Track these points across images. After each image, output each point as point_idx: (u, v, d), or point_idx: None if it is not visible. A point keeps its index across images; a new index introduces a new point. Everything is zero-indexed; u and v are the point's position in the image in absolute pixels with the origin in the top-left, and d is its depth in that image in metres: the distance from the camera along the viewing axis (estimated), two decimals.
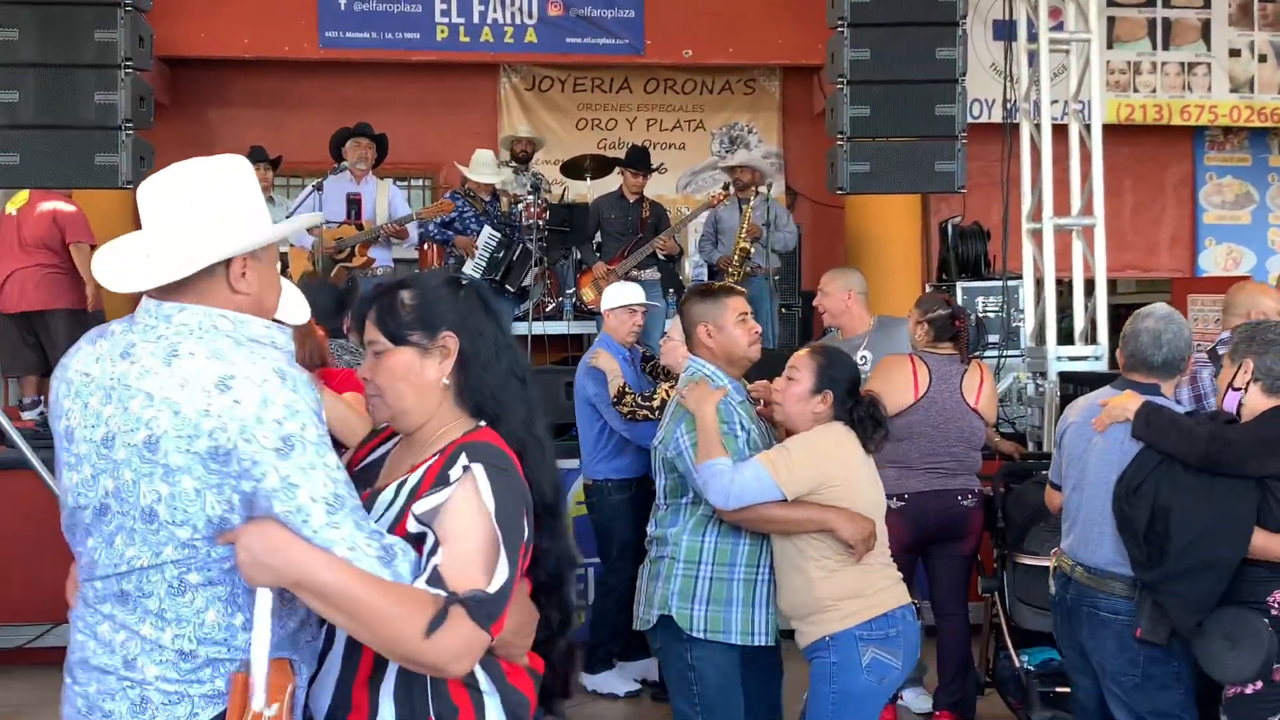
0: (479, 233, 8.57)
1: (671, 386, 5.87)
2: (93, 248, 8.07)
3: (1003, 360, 7.75)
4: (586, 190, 10.40)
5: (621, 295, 6.21)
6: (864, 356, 5.78)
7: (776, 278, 8.92)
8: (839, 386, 3.84)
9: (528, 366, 2.50)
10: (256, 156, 8.90)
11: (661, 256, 8.70)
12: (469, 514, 2.17)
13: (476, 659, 2.16)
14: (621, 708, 6.17)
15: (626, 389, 5.84)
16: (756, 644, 3.82)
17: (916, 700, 5.90)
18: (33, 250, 8.02)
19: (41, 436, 6.84)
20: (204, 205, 2.22)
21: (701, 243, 9.22)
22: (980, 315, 8.14)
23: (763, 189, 8.83)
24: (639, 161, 8.84)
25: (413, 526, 2.20)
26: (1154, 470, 3.80)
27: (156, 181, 2.25)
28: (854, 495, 3.73)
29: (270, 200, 9.01)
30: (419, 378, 2.34)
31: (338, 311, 4.83)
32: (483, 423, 2.37)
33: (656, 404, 5.70)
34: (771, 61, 11.70)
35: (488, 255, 8.58)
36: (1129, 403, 3.92)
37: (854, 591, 3.70)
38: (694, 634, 3.78)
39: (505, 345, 2.43)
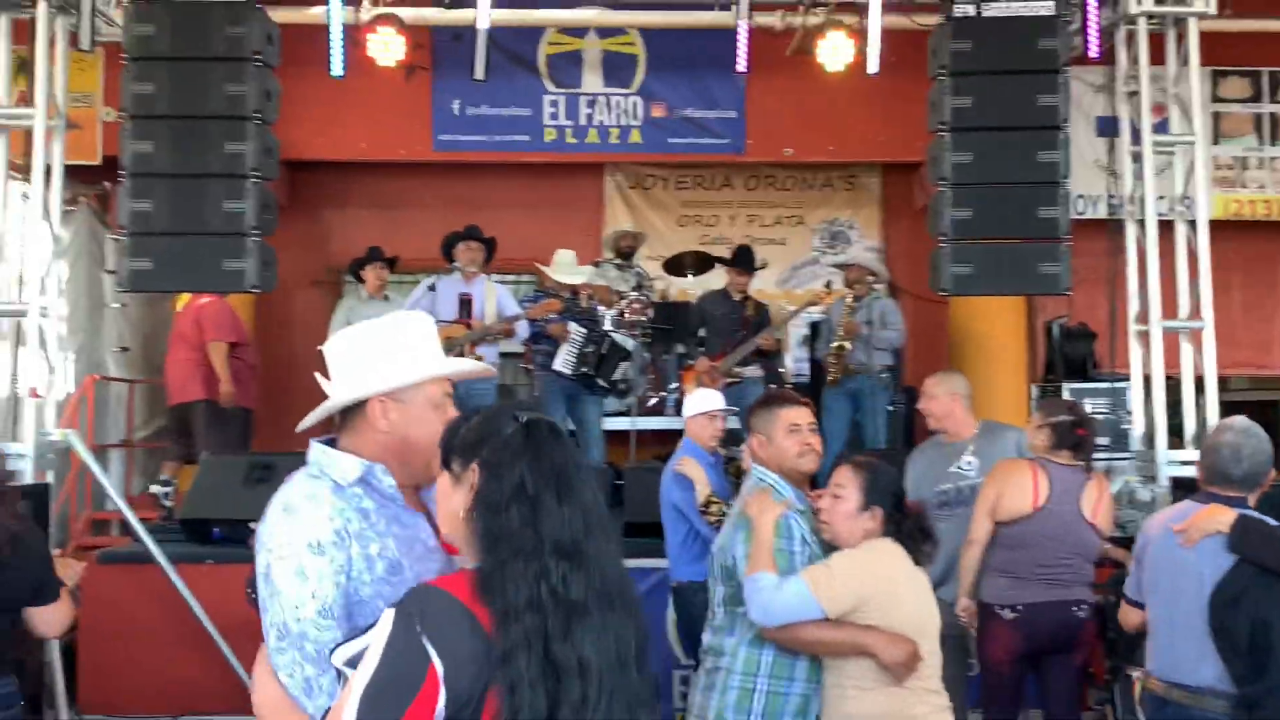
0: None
1: None
2: (232, 345, 8.56)
3: (1112, 463, 7.65)
4: (689, 286, 10.57)
5: (702, 402, 6.32)
6: (970, 462, 5.77)
7: (883, 375, 8.92)
8: (886, 501, 3.74)
9: (565, 526, 2.08)
10: (373, 256, 9.23)
11: (762, 353, 8.78)
12: (366, 661, 2.04)
13: None
14: None
15: (713, 497, 5.94)
16: None
17: None
18: (181, 344, 8.86)
19: (166, 529, 7.12)
20: (352, 356, 2.54)
21: (818, 342, 9.30)
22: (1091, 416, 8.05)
23: (878, 287, 8.91)
24: (744, 261, 8.98)
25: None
26: (1252, 583, 3.76)
27: (337, 337, 2.62)
28: (897, 613, 3.63)
29: (385, 299, 9.31)
30: (449, 504, 2.24)
31: None
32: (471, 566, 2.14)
33: None
34: (872, 159, 11.82)
35: (576, 350, 8.74)
36: (1220, 515, 3.88)
37: (886, 713, 3.59)
38: None
39: (525, 494, 2.08)
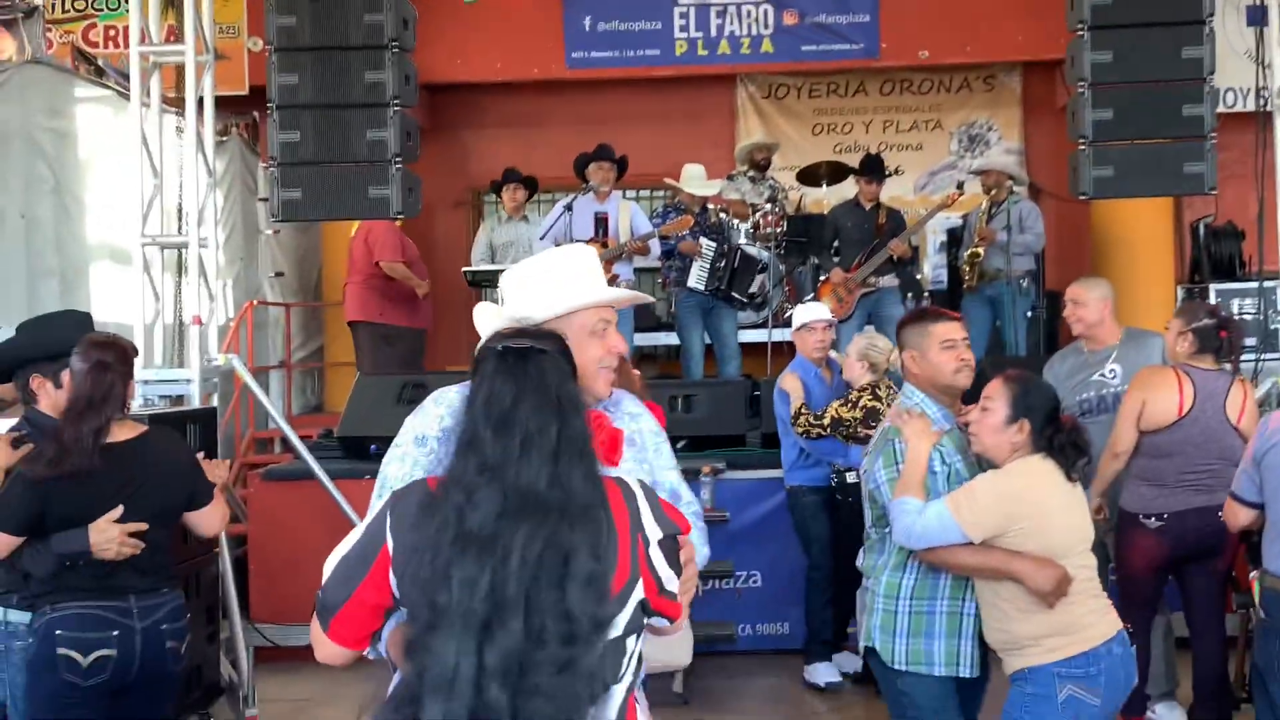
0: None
1: (845, 403, 6.08)
2: (407, 264, 9.35)
3: (1260, 364, 7.47)
4: (823, 196, 10.52)
5: (801, 315, 6.76)
6: (1113, 370, 5.71)
7: (1023, 281, 8.79)
8: (1036, 415, 3.69)
9: (491, 450, 2.20)
10: (510, 177, 9.41)
11: (896, 261, 8.73)
12: (350, 536, 2.36)
13: (324, 653, 2.35)
14: (827, 697, 6.56)
15: (802, 409, 6.37)
16: (961, 675, 3.77)
17: (1170, 715, 5.82)
18: (352, 269, 9.60)
19: (325, 446, 7.49)
20: (519, 286, 2.85)
21: (943, 248, 9.20)
22: (1237, 316, 7.86)
23: (1018, 190, 8.77)
24: (873, 169, 8.90)
25: None
26: None
27: (510, 271, 2.96)
28: (1047, 535, 3.63)
29: (525, 219, 9.50)
30: None
31: None
32: None
33: (826, 421, 6.20)
34: (1011, 58, 11.54)
35: (708, 265, 8.82)
36: None
37: (1053, 629, 3.61)
38: (896, 667, 3.79)
39: (470, 417, 2.25)
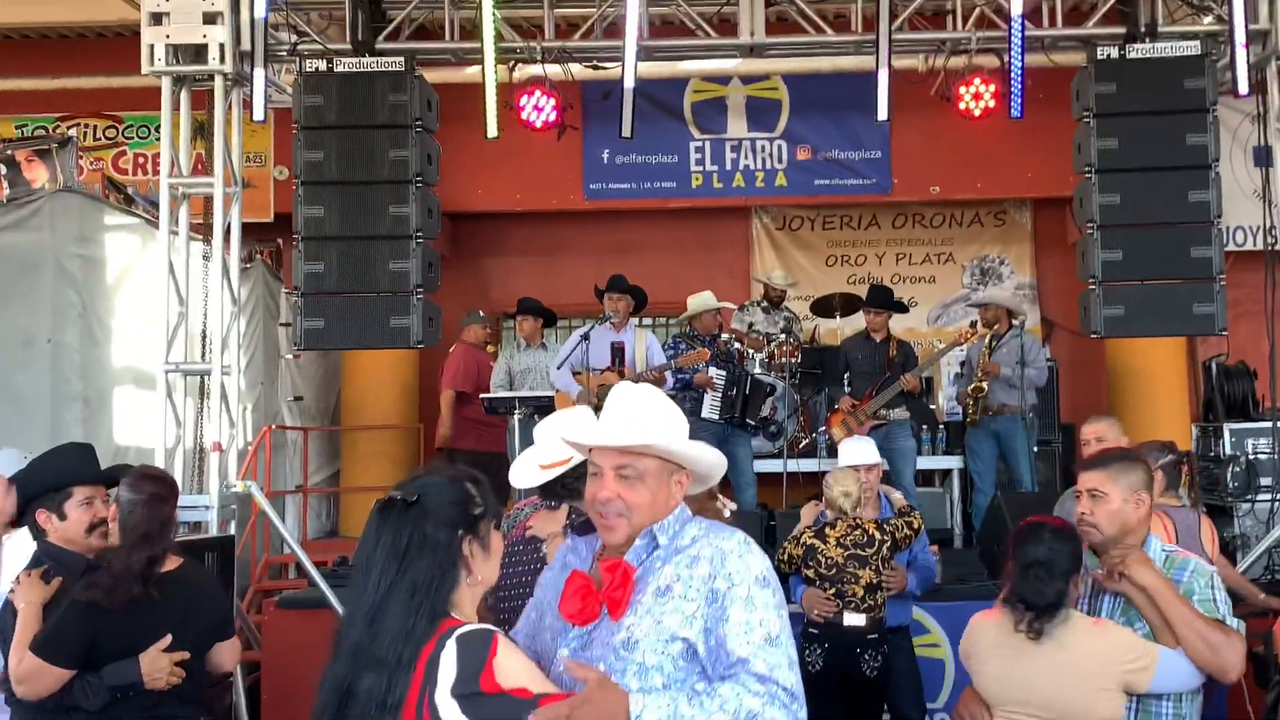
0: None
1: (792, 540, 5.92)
2: (458, 394, 9.83)
3: (1276, 504, 7.47)
4: (837, 327, 10.64)
5: (847, 456, 6.21)
6: None
7: (1028, 415, 8.85)
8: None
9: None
10: (524, 308, 9.56)
11: (906, 394, 8.79)
12: None
13: None
14: None
15: (787, 541, 6.02)
16: None
17: None
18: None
19: (340, 575, 7.48)
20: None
21: (959, 380, 9.26)
22: (1251, 457, 7.89)
23: (1015, 322, 8.86)
24: (879, 301, 9.01)
25: None
26: None
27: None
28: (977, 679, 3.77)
29: (543, 347, 9.62)
30: None
31: None
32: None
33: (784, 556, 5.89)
34: (1021, 195, 11.75)
35: (719, 395, 8.90)
36: None
37: None
38: None
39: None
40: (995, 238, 12.29)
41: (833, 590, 5.55)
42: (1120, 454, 3.80)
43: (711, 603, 2.54)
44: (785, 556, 5.79)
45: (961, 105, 8.03)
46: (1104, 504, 3.65)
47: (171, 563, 4.09)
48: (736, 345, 9.52)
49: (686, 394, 9.02)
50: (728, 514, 5.87)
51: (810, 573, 5.62)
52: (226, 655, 4.27)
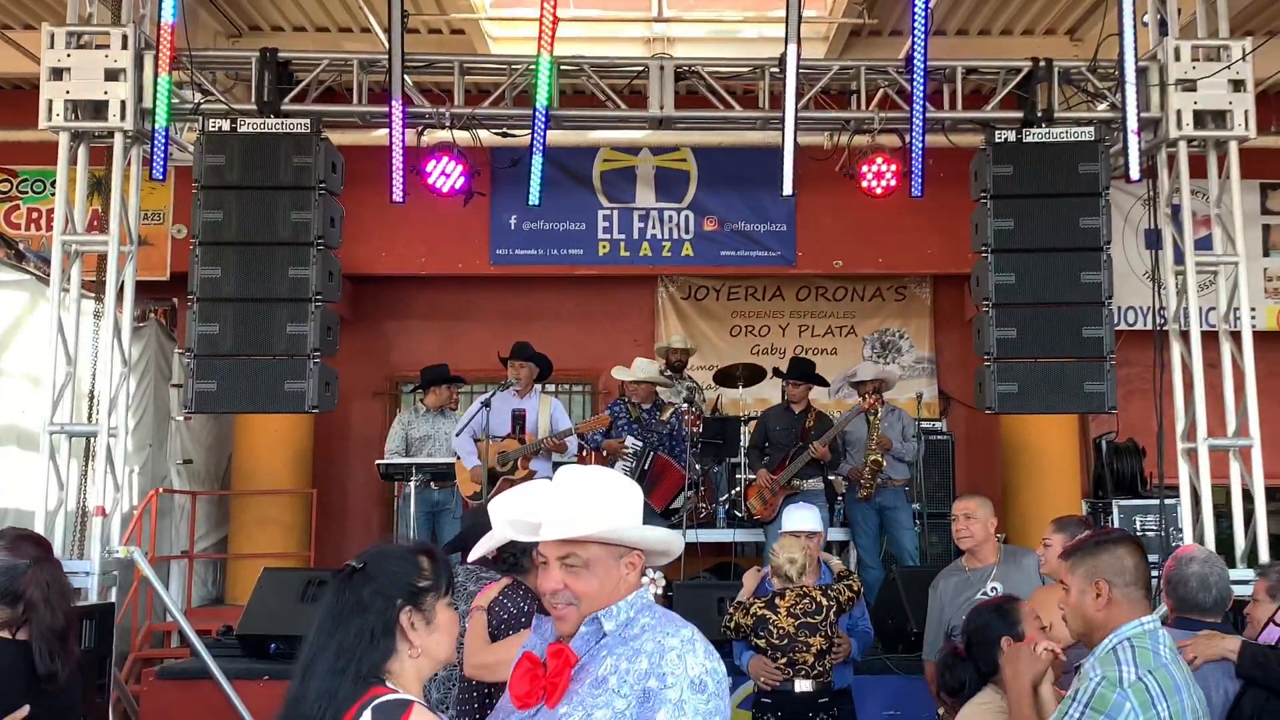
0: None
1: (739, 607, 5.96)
2: None
3: (1157, 582, 7.59)
4: (739, 397, 10.68)
5: (786, 521, 6.34)
6: (994, 588, 5.75)
7: (906, 489, 9.04)
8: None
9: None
10: (441, 377, 9.44)
11: (821, 464, 8.85)
12: None
13: None
14: None
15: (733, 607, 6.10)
16: None
17: None
18: None
19: (224, 645, 7.27)
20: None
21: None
22: (1139, 533, 8.03)
23: (888, 399, 9.07)
24: (799, 373, 9.10)
25: None
26: (1265, 707, 3.82)
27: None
28: None
29: (442, 413, 9.50)
30: None
31: None
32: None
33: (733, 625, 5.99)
34: (920, 271, 11.97)
35: (632, 463, 8.89)
36: (1225, 642, 3.96)
37: None
38: None
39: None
40: (896, 312, 12.49)
41: (784, 660, 5.67)
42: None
43: (643, 702, 2.45)
44: (733, 625, 5.89)
45: (864, 183, 8.17)
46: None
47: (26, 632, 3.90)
48: (673, 420, 9.39)
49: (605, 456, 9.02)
50: (655, 590, 5.91)
51: (761, 642, 5.73)
52: None
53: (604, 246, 11.82)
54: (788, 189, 7.66)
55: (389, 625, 2.50)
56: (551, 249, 11.77)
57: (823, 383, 9.41)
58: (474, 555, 3.08)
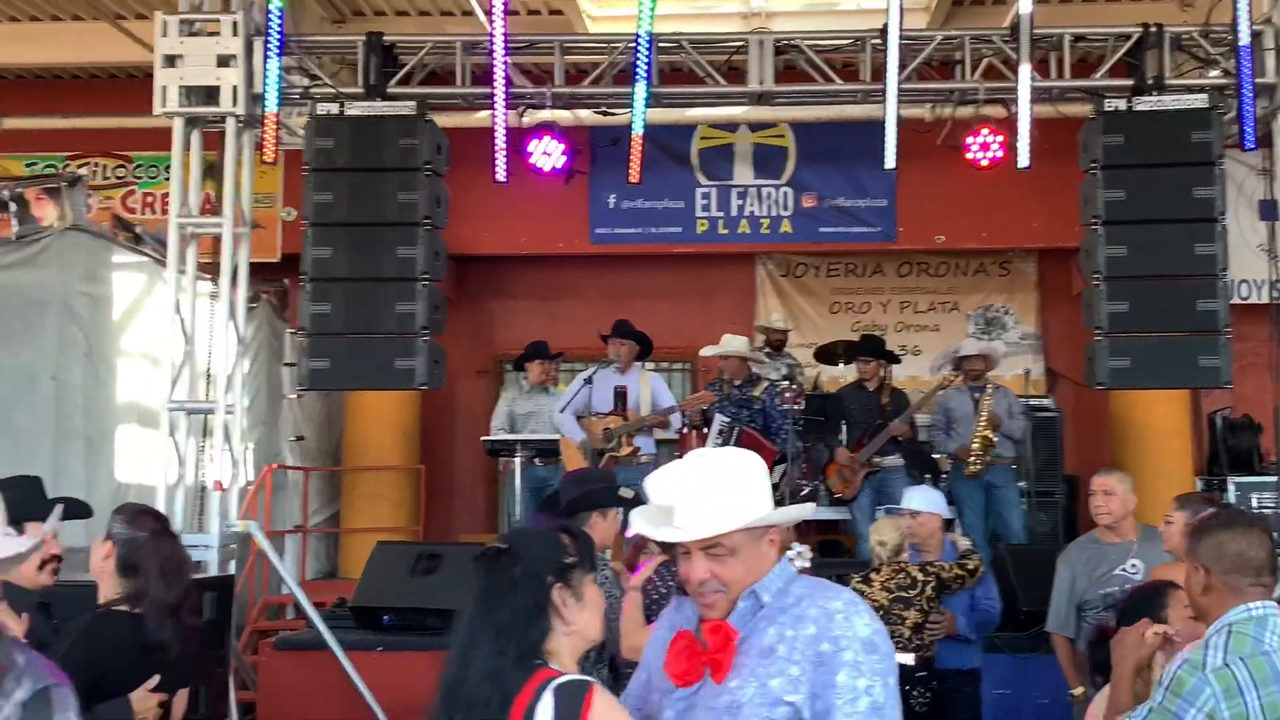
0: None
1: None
2: None
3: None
4: (840, 374, 10.63)
5: (907, 501, 6.37)
6: (1134, 565, 5.66)
7: (1013, 467, 8.92)
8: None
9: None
10: (537, 353, 9.54)
11: (900, 441, 8.80)
12: None
13: None
14: None
15: None
16: None
17: None
18: None
19: (338, 617, 7.44)
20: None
21: (933, 432, 9.25)
22: (1256, 510, 7.84)
23: (993, 376, 8.98)
24: (870, 349, 9.04)
25: None
26: None
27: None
28: None
29: (545, 390, 9.60)
30: None
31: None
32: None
33: None
34: (1026, 245, 11.78)
35: (719, 442, 8.89)
36: None
37: None
38: None
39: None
40: (1000, 287, 12.31)
41: None
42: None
43: (817, 666, 2.45)
44: None
45: (969, 155, 8.04)
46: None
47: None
48: (766, 397, 9.37)
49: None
50: (803, 564, 5.95)
51: None
52: (180, 703, 4.12)
53: (702, 224, 11.84)
54: (890, 162, 7.59)
55: (543, 604, 2.48)
56: (650, 227, 11.82)
57: (894, 359, 9.34)
58: (629, 532, 3.09)
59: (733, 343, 9.34)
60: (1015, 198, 10.86)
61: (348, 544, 11.20)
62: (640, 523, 2.63)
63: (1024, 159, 7.50)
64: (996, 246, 11.87)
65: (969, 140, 8.04)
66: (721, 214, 11.79)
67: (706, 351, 9.46)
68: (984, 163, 8.02)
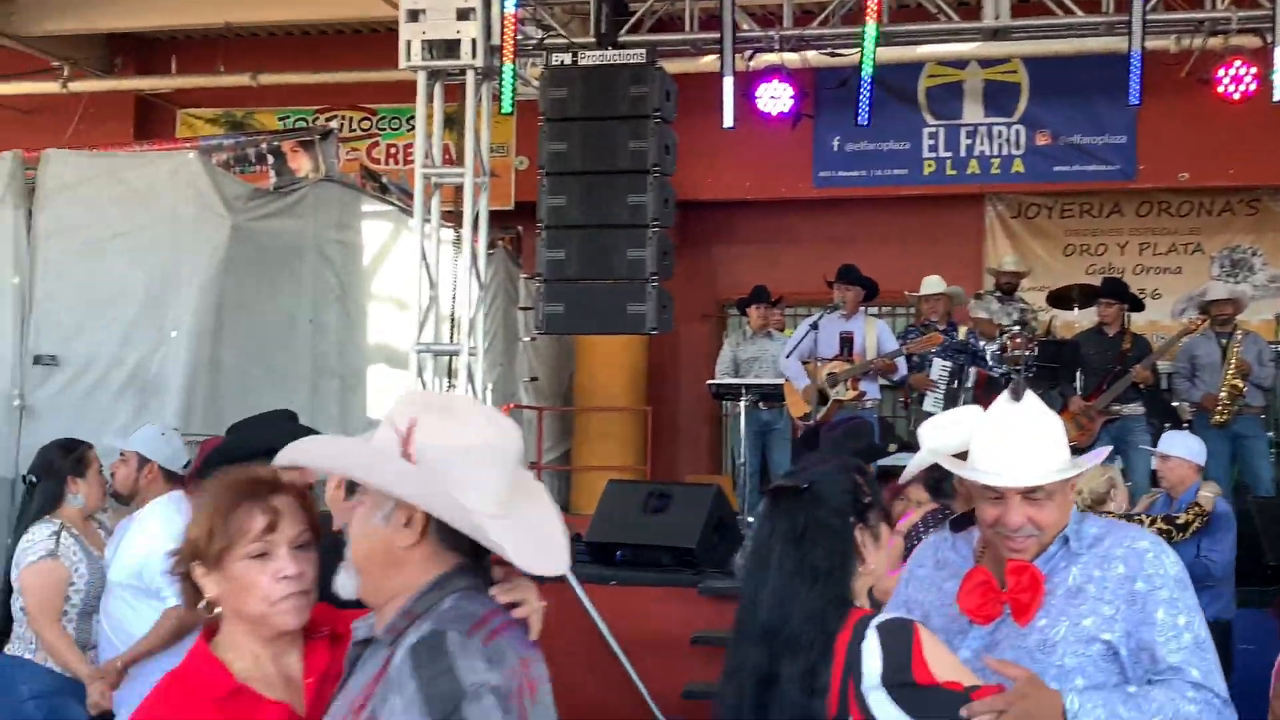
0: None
1: None
2: None
3: None
4: (1074, 319, 10.32)
5: (1164, 446, 6.41)
6: None
7: (1262, 416, 8.51)
8: None
9: None
10: (757, 297, 9.63)
11: (1142, 389, 8.51)
12: None
13: None
14: None
15: None
16: None
17: None
18: None
19: (572, 551, 7.73)
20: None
21: (1176, 379, 8.88)
22: None
23: (1240, 321, 8.57)
24: (1112, 291, 8.74)
25: None
26: None
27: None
28: None
29: (769, 335, 9.69)
30: None
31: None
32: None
33: None
34: (1277, 183, 11.14)
35: (944, 387, 8.77)
36: None
37: None
38: None
39: None
40: (1247, 227, 11.69)
41: None
42: None
43: (1131, 605, 2.52)
44: None
45: (1219, 89, 7.66)
46: None
47: None
48: (971, 336, 9.33)
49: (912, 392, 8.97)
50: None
51: None
52: None
53: (929, 165, 11.64)
54: (1134, 98, 7.30)
55: (849, 545, 2.44)
56: (875, 169, 11.70)
57: (1138, 304, 9.00)
58: (904, 478, 3.10)
59: (934, 283, 9.23)
60: (1266, 133, 10.26)
61: (579, 481, 11.59)
62: (964, 469, 2.65)
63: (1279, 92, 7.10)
64: (1245, 184, 11.26)
65: (1219, 73, 7.66)
66: (950, 154, 11.56)
67: (911, 294, 9.34)
68: (1235, 96, 7.64)
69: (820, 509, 2.43)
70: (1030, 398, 2.64)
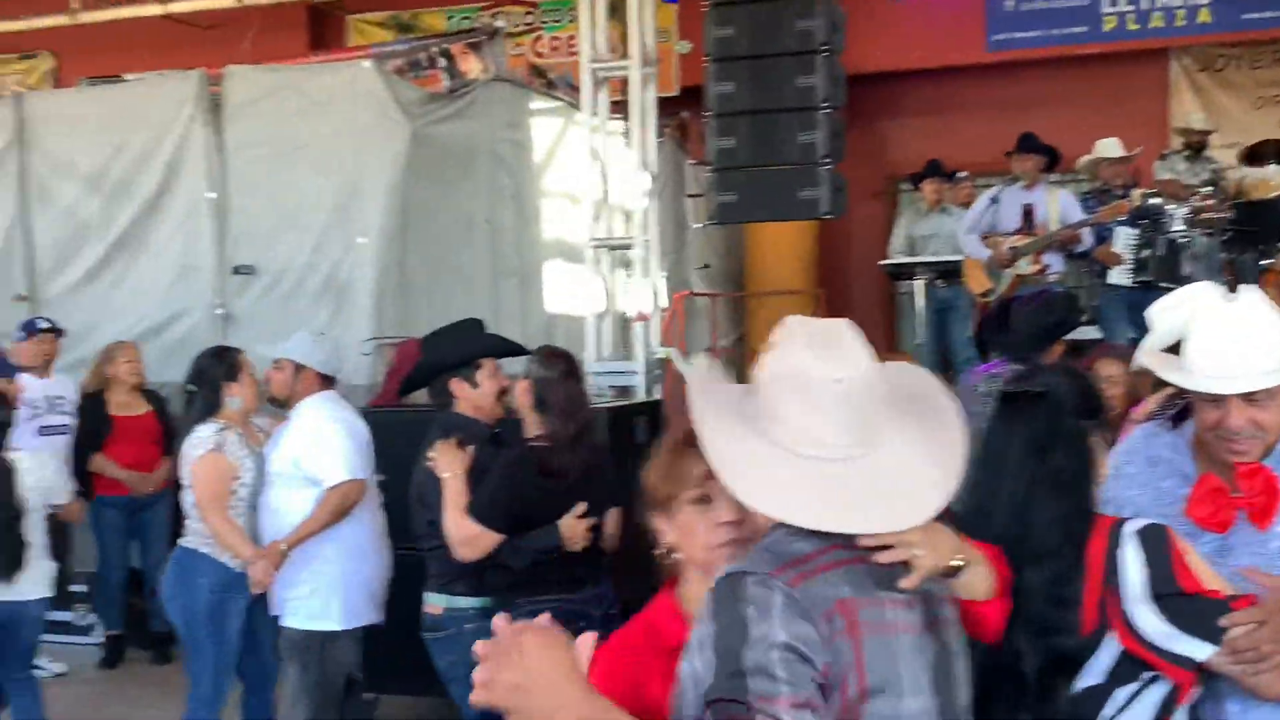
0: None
1: None
2: None
3: None
4: (1270, 177, 9.82)
5: None
6: None
7: None
8: None
9: None
10: (931, 170, 9.43)
11: None
12: None
13: None
14: None
15: None
16: None
17: None
18: None
19: None
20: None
21: None
22: None
23: None
24: None
25: None
26: None
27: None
28: None
29: (945, 211, 9.50)
30: None
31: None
32: None
33: None
34: None
35: (1133, 257, 8.46)
36: None
37: None
38: None
39: None
40: None
41: None
42: None
43: None
44: None
45: None
46: None
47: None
48: (1154, 200, 9.00)
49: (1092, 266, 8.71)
50: None
51: None
52: (612, 522, 4.48)
53: (1109, 21, 11.12)
54: None
55: (1089, 450, 2.40)
56: (1052, 29, 11.23)
57: None
58: (1134, 365, 2.84)
59: (1105, 146, 8.86)
60: None
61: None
62: (1178, 374, 2.55)
63: None
64: None
65: None
66: (1131, 8, 11.02)
67: (1080, 164, 8.97)
68: None
69: (1061, 415, 2.38)
70: (1246, 291, 2.54)
